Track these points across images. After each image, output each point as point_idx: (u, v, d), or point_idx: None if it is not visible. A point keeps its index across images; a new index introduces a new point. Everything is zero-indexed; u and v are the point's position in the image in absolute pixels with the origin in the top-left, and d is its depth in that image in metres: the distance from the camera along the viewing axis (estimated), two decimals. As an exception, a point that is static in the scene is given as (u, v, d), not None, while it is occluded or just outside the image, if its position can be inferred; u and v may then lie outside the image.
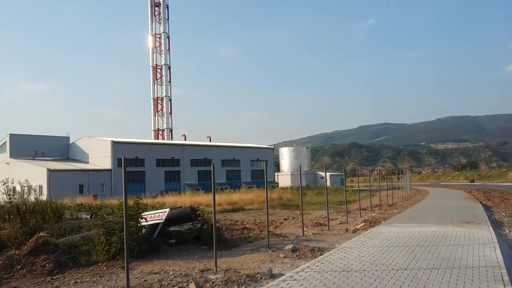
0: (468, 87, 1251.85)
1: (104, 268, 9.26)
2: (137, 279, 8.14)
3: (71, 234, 11.80)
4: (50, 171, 52.37)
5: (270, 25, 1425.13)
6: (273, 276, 7.97)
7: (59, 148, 64.80)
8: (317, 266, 8.60)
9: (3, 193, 16.76)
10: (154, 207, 17.62)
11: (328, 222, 16.44)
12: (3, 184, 17.18)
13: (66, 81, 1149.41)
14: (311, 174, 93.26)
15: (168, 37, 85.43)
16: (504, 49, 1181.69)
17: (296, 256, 10.17)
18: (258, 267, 8.94)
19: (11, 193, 15.00)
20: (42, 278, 8.58)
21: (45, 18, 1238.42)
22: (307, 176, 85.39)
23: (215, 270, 8.64)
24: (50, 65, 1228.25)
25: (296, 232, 14.92)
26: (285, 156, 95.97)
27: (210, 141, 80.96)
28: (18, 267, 9.21)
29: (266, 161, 75.99)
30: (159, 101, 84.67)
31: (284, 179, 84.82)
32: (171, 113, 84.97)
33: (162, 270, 8.92)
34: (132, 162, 58.19)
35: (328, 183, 64.37)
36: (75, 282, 8.16)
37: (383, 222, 16.75)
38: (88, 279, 8.35)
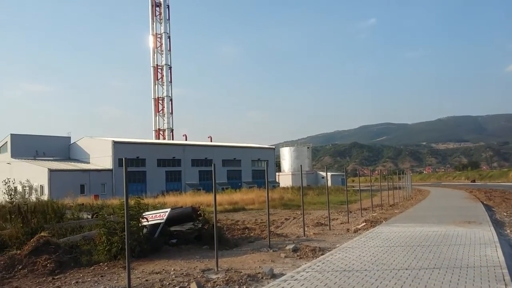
0: (469, 87, 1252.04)
1: (106, 268, 9.27)
2: (138, 279, 8.14)
3: (72, 234, 11.80)
4: (51, 171, 52.45)
5: (271, 25, 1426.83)
6: (274, 276, 7.96)
7: (60, 148, 64.90)
8: (318, 266, 8.59)
9: (4, 193, 16.79)
10: (155, 207, 17.67)
11: (329, 222, 16.45)
12: (5, 184, 17.20)
13: (67, 81, 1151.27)
14: (312, 174, 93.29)
15: (169, 37, 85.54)
16: (504, 49, 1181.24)
17: (297, 256, 10.17)
18: (259, 267, 8.94)
19: (13, 193, 15.03)
20: (44, 278, 8.59)
21: (45, 18, 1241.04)
22: (308, 176, 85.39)
23: (216, 270, 8.64)
24: (50, 65, 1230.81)
25: (297, 232, 14.91)
26: (286, 156, 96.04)
27: (211, 141, 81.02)
28: (20, 267, 9.22)
29: (267, 161, 75.70)
30: (160, 101, 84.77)
31: (285, 179, 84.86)
32: (172, 113, 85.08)
33: (163, 270, 8.93)
34: (133, 162, 58.24)
35: (329, 183, 64.36)
36: (77, 282, 8.17)
37: (384, 222, 16.74)
38: (89, 279, 8.36)
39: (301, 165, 18.25)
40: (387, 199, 28.86)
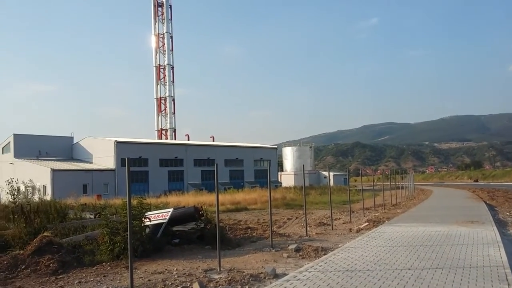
0: (471, 86, 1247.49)
1: (108, 268, 9.29)
2: (141, 279, 8.16)
3: (75, 234, 11.84)
4: (54, 171, 52.59)
5: (273, 25, 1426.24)
6: (276, 276, 7.97)
7: (62, 148, 65.04)
8: (321, 266, 8.59)
9: (7, 193, 16.82)
10: (157, 207, 17.68)
11: (332, 222, 16.44)
12: (8, 184, 17.24)
13: (69, 81, 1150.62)
14: (314, 173, 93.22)
15: (171, 37, 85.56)
16: (505, 49, 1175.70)
17: (300, 256, 10.17)
18: (262, 267, 8.94)
19: (16, 193, 15.03)
20: (47, 278, 8.61)
21: (45, 18, 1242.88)
22: (310, 175, 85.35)
23: (218, 270, 8.64)
24: (52, 65, 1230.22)
25: (300, 232, 14.91)
26: (288, 156, 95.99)
27: (214, 141, 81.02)
28: (23, 267, 9.26)
29: (269, 160, 76.10)
30: (162, 101, 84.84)
31: (287, 178, 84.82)
32: (174, 113, 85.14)
33: (165, 269, 8.94)
34: (135, 162, 58.30)
35: (332, 183, 64.14)
36: (79, 282, 8.19)
37: (386, 221, 16.72)
38: (92, 279, 8.38)
39: (303, 165, 18.23)
40: (390, 198, 28.82)
